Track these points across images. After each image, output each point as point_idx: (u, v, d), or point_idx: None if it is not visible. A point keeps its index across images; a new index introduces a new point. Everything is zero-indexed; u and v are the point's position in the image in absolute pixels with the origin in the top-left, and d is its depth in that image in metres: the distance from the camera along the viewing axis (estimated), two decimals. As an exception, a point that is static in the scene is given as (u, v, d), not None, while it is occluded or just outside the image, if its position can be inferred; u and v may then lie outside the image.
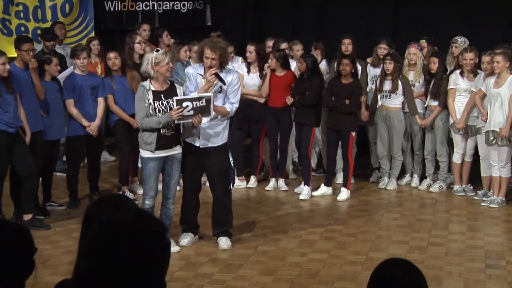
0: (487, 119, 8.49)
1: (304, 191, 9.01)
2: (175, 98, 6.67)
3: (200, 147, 6.99)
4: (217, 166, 7.05)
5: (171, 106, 6.72)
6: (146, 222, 2.09)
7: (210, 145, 7.01)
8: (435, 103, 9.12)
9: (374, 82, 9.55)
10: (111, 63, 8.73)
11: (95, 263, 2.02)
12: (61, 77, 8.56)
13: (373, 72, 9.74)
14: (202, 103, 6.66)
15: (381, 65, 9.38)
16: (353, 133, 8.92)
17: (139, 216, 2.13)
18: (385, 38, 9.83)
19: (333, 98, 8.90)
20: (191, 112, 6.64)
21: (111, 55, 8.77)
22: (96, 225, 2.11)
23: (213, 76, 6.76)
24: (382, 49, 9.66)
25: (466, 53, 8.85)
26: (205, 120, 6.80)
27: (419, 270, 2.44)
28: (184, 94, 6.85)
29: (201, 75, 6.94)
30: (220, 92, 6.93)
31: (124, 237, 2.01)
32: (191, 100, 6.64)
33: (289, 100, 8.92)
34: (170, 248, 2.14)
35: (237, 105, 7.07)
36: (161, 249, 2.07)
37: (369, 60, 9.91)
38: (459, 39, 9.66)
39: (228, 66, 7.11)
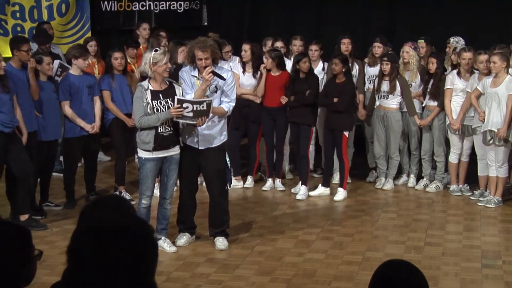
0: (484, 118, 8.49)
1: (301, 191, 9.00)
2: (176, 97, 6.68)
3: (200, 148, 6.99)
4: (213, 166, 7.05)
5: (170, 105, 6.73)
6: (129, 224, 2.09)
7: (209, 146, 7.00)
8: (434, 103, 9.11)
9: (372, 82, 9.53)
10: (117, 63, 8.71)
11: (79, 264, 2.02)
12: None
13: (370, 72, 9.72)
14: (202, 107, 6.66)
15: (378, 64, 9.38)
16: (346, 133, 8.91)
17: (123, 218, 2.13)
18: (379, 37, 9.81)
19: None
20: (191, 114, 6.64)
21: (118, 55, 8.74)
22: (80, 227, 2.12)
23: (210, 74, 6.75)
24: (376, 47, 9.66)
25: (465, 53, 8.85)
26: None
27: (421, 273, 2.44)
28: (182, 95, 6.86)
29: (196, 77, 6.94)
30: (216, 91, 6.93)
31: (106, 239, 2.01)
32: (192, 103, 6.64)
33: (284, 99, 8.92)
34: (156, 249, 2.13)
35: (233, 104, 7.06)
36: (145, 251, 2.07)
37: (366, 60, 9.90)
38: (451, 40, 9.68)
39: (221, 65, 7.12)
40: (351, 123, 9.08)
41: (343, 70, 8.82)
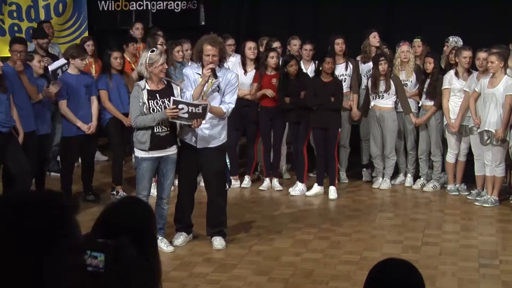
0: (479, 124, 8.48)
1: (297, 186, 9.02)
2: (172, 98, 6.67)
3: (198, 147, 6.98)
4: (213, 167, 7.04)
5: (166, 105, 6.72)
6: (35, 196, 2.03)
7: (207, 145, 7.00)
8: (430, 103, 9.11)
9: (368, 78, 9.50)
10: (117, 63, 8.69)
11: None
12: (52, 67, 8.53)
13: (365, 68, 9.69)
14: (198, 110, 6.64)
15: (372, 63, 9.36)
16: (339, 129, 8.99)
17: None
18: (374, 30, 9.82)
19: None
20: (186, 115, 6.64)
21: (117, 54, 8.72)
22: None
23: (209, 70, 6.72)
24: (376, 37, 9.67)
25: (465, 51, 8.83)
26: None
27: (418, 271, 2.43)
28: (181, 93, 6.86)
29: (199, 74, 6.90)
30: (218, 91, 6.91)
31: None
32: (188, 105, 6.63)
33: (268, 91, 8.97)
34: (69, 213, 2.02)
35: (233, 105, 7.03)
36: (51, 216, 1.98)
37: (359, 57, 9.88)
38: (450, 39, 9.68)
39: (226, 65, 7.12)
40: (341, 120, 9.16)
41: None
